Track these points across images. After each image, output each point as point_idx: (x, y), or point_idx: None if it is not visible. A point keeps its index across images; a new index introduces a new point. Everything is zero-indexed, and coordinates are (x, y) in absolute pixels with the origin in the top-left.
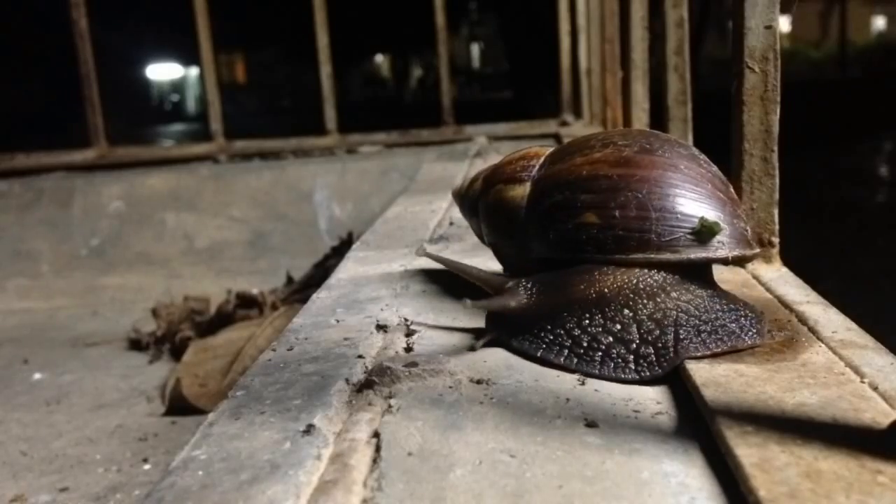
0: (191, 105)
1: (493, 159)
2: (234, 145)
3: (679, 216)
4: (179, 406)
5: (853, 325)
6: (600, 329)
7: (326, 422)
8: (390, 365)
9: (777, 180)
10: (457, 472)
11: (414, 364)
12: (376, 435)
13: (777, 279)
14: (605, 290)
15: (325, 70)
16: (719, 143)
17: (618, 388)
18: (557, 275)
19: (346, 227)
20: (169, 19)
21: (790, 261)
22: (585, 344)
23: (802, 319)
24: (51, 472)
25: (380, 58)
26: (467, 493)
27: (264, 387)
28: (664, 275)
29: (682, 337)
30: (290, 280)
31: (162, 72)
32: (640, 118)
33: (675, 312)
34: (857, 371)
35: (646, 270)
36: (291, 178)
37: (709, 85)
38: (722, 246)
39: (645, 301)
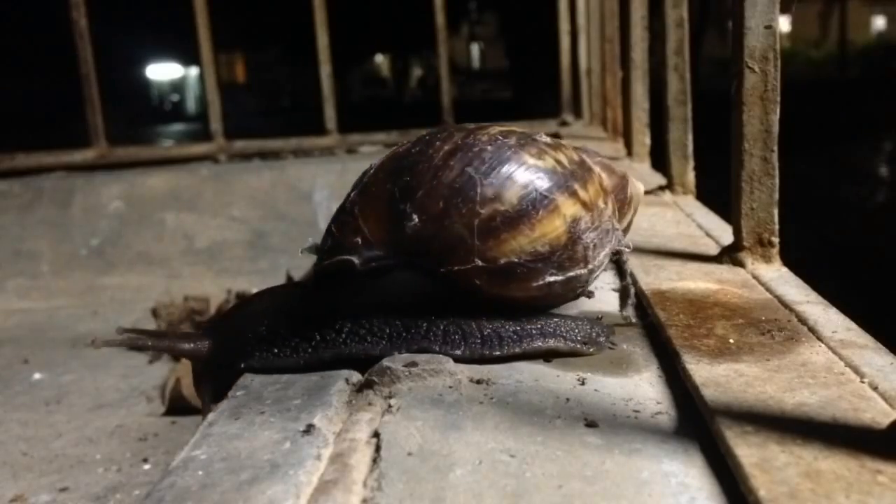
0: (191, 105)
1: None
2: (234, 145)
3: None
4: (179, 406)
5: (853, 325)
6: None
7: (326, 422)
8: (390, 365)
9: (777, 180)
10: (457, 472)
11: (414, 364)
12: (376, 435)
13: (777, 279)
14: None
15: (325, 70)
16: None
17: (618, 388)
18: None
19: None
20: (169, 19)
21: (790, 261)
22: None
23: (802, 319)
24: (51, 472)
25: (380, 58)
26: (467, 493)
27: (264, 387)
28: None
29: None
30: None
31: (162, 72)
32: (640, 118)
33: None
34: (857, 371)
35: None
36: (291, 178)
37: (709, 85)
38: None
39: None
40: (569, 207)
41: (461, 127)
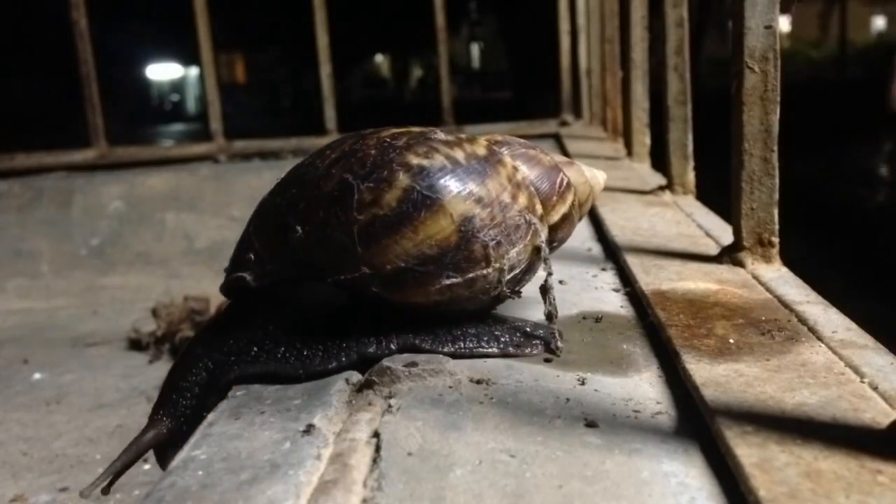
0: (191, 105)
1: None
2: (234, 145)
3: None
4: None
5: (853, 325)
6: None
7: (326, 422)
8: (390, 365)
9: (777, 180)
10: (457, 472)
11: (414, 364)
12: (376, 435)
13: (777, 279)
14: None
15: (325, 70)
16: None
17: (618, 388)
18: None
19: None
20: (169, 19)
21: (790, 261)
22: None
23: (802, 319)
24: (51, 472)
25: (380, 58)
26: (467, 493)
27: (264, 386)
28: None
29: None
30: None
31: (162, 72)
32: (640, 118)
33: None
34: (857, 371)
35: None
36: None
37: (709, 85)
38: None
39: None
40: (458, 205)
41: (358, 133)
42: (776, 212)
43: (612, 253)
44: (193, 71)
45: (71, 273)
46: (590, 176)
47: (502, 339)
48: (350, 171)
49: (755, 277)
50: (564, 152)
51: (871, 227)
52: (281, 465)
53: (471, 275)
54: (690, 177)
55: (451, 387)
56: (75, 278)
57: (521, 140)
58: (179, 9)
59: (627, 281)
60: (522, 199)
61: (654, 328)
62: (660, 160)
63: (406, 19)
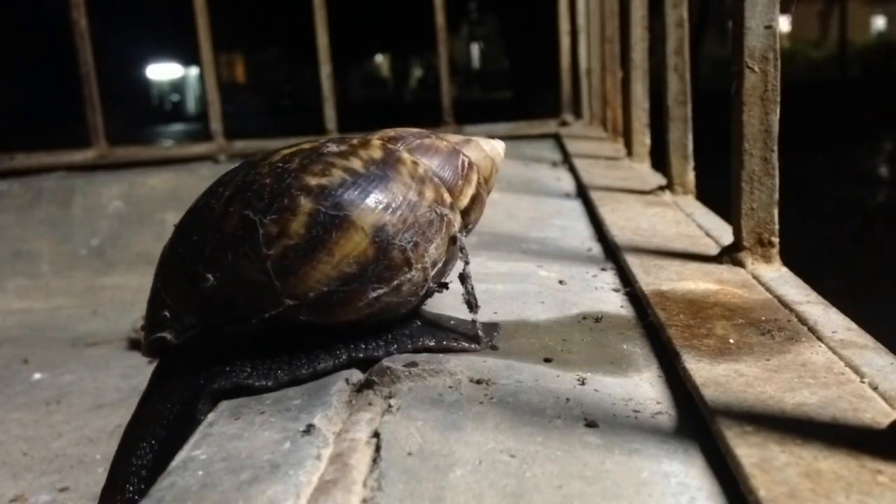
0: (191, 105)
1: None
2: (234, 145)
3: None
4: None
5: (853, 325)
6: None
7: (326, 422)
8: (390, 365)
9: (777, 180)
10: (457, 472)
11: (414, 364)
12: (376, 435)
13: (777, 279)
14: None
15: (325, 70)
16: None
17: (618, 388)
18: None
19: None
20: (169, 19)
21: (790, 261)
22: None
23: (802, 319)
24: (51, 472)
25: (380, 58)
26: (467, 493)
27: None
28: None
29: None
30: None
31: (162, 72)
32: (640, 118)
33: None
34: (857, 371)
35: None
36: None
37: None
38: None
39: None
40: (367, 217)
41: (248, 162)
42: (776, 212)
43: (612, 253)
44: (193, 71)
45: (71, 273)
46: (489, 149)
47: (438, 334)
48: (249, 206)
49: (755, 277)
50: (564, 152)
51: (871, 228)
52: (281, 465)
53: (396, 282)
54: (690, 177)
55: (451, 387)
56: (75, 278)
57: (415, 130)
58: (179, 9)
59: (627, 281)
60: (429, 193)
61: (654, 328)
62: (660, 160)
63: (406, 19)
